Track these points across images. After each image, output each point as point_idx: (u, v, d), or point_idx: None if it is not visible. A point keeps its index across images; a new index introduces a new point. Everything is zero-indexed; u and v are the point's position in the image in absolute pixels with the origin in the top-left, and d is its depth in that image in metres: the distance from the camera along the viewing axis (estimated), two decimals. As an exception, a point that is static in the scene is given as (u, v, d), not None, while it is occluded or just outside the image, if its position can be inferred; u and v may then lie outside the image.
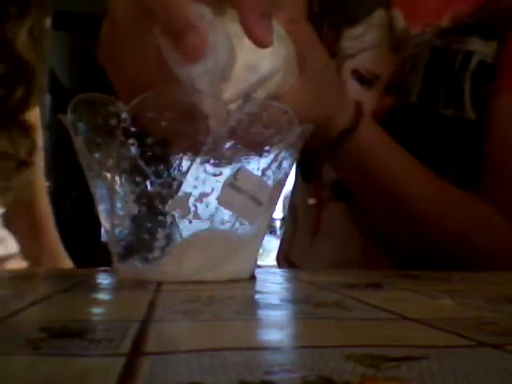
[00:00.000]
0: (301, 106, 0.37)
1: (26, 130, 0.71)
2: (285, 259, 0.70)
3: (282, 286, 0.38)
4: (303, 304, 0.27)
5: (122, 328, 0.20)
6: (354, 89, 0.60)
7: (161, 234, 0.34)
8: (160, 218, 0.34)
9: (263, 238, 0.38)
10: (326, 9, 0.67)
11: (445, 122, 0.54)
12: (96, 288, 0.35)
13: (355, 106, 0.48)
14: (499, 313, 0.25)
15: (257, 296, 0.32)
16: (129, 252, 0.35)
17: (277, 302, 0.29)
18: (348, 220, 0.60)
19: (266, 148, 0.35)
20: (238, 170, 0.34)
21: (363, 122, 0.47)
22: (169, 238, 0.35)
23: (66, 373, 0.14)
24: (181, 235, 0.35)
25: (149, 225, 0.35)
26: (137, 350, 0.16)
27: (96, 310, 0.26)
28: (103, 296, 0.31)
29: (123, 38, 0.34)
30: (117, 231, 0.35)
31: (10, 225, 0.76)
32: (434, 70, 0.56)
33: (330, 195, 0.62)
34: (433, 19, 0.58)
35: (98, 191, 0.36)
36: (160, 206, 0.34)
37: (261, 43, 0.32)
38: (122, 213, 0.35)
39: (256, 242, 0.37)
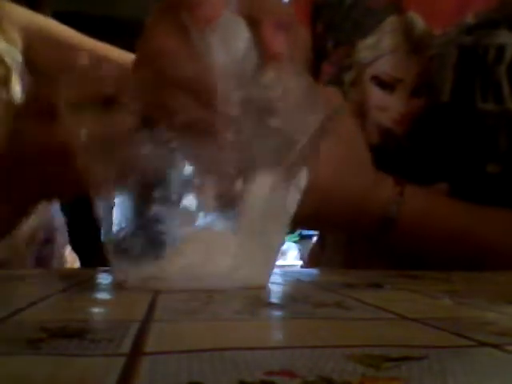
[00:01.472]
0: (333, 173, 0.37)
1: None
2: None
3: (282, 285, 0.38)
4: (303, 304, 0.27)
5: (122, 328, 0.20)
6: (376, 94, 0.60)
7: (161, 235, 0.34)
8: (162, 221, 0.34)
9: (280, 247, 0.37)
10: (331, 26, 0.68)
11: (483, 116, 0.54)
12: (96, 288, 0.35)
13: (393, 177, 0.48)
14: (499, 313, 0.25)
15: (257, 296, 0.32)
16: (128, 254, 0.34)
17: (277, 301, 0.29)
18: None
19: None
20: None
21: (407, 189, 0.47)
22: (169, 239, 0.34)
23: (66, 373, 0.14)
24: (182, 237, 0.34)
25: (149, 226, 0.34)
26: (137, 350, 0.16)
27: (96, 310, 0.26)
28: (103, 296, 0.31)
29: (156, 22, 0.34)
30: (115, 232, 0.35)
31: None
32: (465, 67, 0.56)
33: None
34: (455, 18, 0.58)
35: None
36: (160, 207, 0.34)
37: (274, 56, 0.32)
38: (121, 213, 0.34)
39: (270, 250, 0.36)
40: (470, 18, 0.57)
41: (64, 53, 0.76)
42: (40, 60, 0.75)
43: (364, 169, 0.47)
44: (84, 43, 0.77)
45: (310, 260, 0.74)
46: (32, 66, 0.74)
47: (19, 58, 0.72)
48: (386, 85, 0.60)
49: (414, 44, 0.60)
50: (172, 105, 0.32)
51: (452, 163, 0.54)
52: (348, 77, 0.64)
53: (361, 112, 0.60)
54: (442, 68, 0.57)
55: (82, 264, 0.91)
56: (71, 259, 0.89)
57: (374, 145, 0.56)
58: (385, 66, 0.61)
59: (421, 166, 0.56)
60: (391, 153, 0.57)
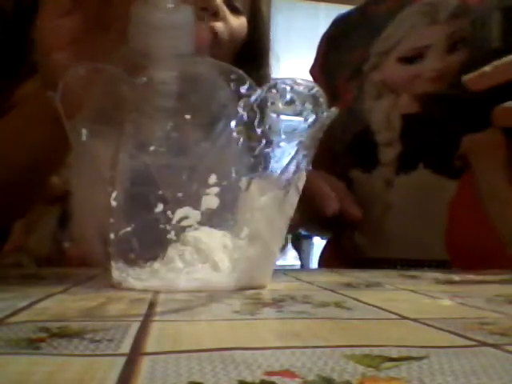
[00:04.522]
0: None
1: None
2: (348, 249, 0.70)
3: (282, 285, 0.38)
4: (303, 304, 0.27)
5: (121, 328, 0.20)
6: (406, 70, 0.63)
7: (160, 238, 0.34)
8: (162, 222, 0.34)
9: (279, 247, 0.37)
10: (343, 45, 0.72)
11: None
12: (96, 288, 0.35)
13: None
14: (499, 313, 0.25)
15: (257, 296, 0.32)
16: (128, 255, 0.34)
17: (277, 301, 0.29)
18: (420, 189, 0.61)
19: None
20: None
21: None
22: (169, 241, 0.34)
23: (66, 373, 0.14)
24: (183, 240, 0.34)
25: (149, 227, 0.34)
26: (137, 350, 0.16)
27: (96, 310, 0.26)
28: (103, 296, 0.31)
29: None
30: (113, 233, 0.34)
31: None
32: None
33: (395, 172, 0.63)
34: None
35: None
36: (160, 208, 0.34)
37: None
38: (118, 214, 0.34)
39: (270, 250, 0.35)
40: None
41: None
42: None
43: None
44: None
45: (340, 241, 0.74)
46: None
47: None
48: (412, 59, 0.63)
49: (436, 15, 0.62)
50: None
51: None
52: (368, 66, 0.67)
53: (391, 89, 0.64)
54: (485, 24, 0.59)
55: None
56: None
57: (414, 114, 0.60)
58: (407, 45, 0.64)
59: (476, 112, 0.58)
60: (444, 106, 0.60)
